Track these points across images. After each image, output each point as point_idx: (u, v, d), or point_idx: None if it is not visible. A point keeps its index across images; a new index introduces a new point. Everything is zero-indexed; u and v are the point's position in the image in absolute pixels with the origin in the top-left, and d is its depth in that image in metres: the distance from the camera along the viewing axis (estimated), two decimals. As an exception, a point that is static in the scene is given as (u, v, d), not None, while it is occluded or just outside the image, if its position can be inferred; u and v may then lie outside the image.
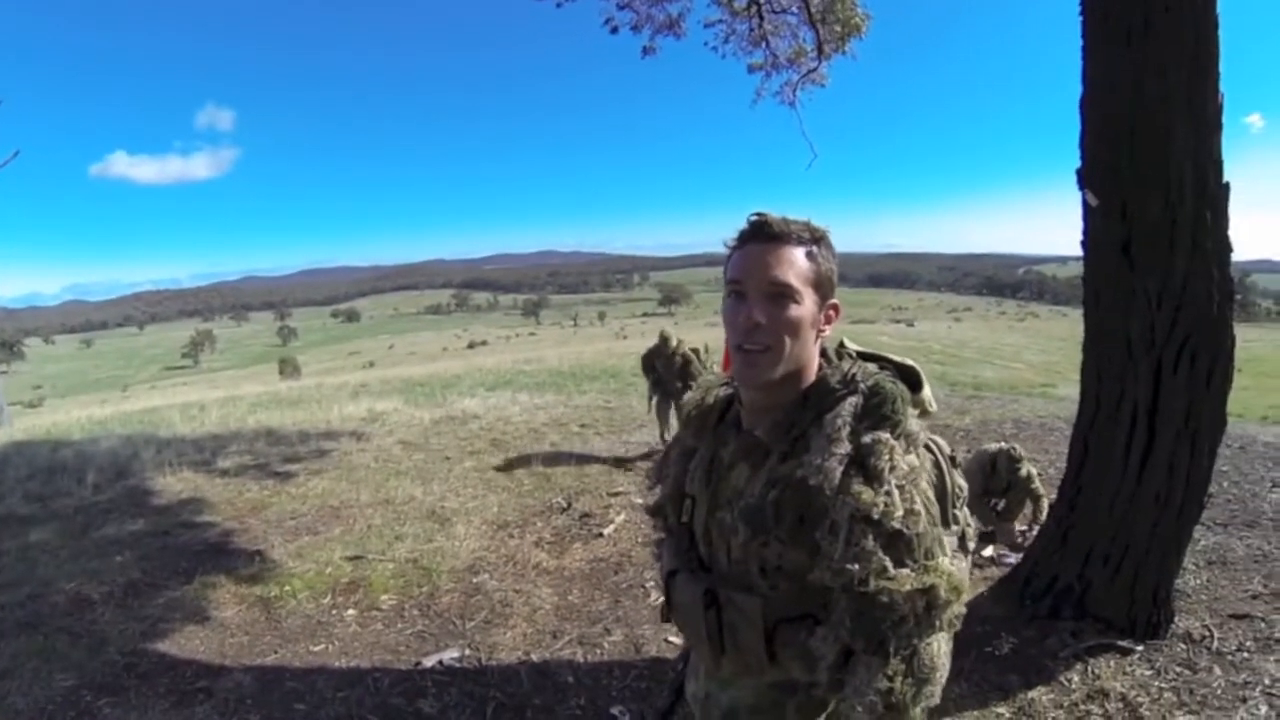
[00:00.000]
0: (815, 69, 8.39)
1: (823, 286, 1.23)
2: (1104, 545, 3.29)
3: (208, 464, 7.53)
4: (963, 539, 1.38)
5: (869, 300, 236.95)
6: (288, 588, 4.42)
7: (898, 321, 77.70)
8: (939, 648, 1.17)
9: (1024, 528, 4.66)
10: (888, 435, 1.16)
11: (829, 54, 8.17)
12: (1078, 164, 3.23)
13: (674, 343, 7.36)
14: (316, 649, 3.74)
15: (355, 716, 3.12)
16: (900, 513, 1.11)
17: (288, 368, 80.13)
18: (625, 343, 35.02)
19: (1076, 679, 3.01)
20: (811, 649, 1.21)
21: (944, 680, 1.20)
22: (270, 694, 3.33)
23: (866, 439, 1.16)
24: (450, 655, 3.60)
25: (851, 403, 1.20)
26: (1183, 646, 3.18)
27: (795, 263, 1.20)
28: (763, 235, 1.21)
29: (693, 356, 7.25)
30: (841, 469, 1.14)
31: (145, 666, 3.60)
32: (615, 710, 3.12)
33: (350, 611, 4.13)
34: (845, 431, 1.17)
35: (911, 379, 1.29)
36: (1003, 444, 4.76)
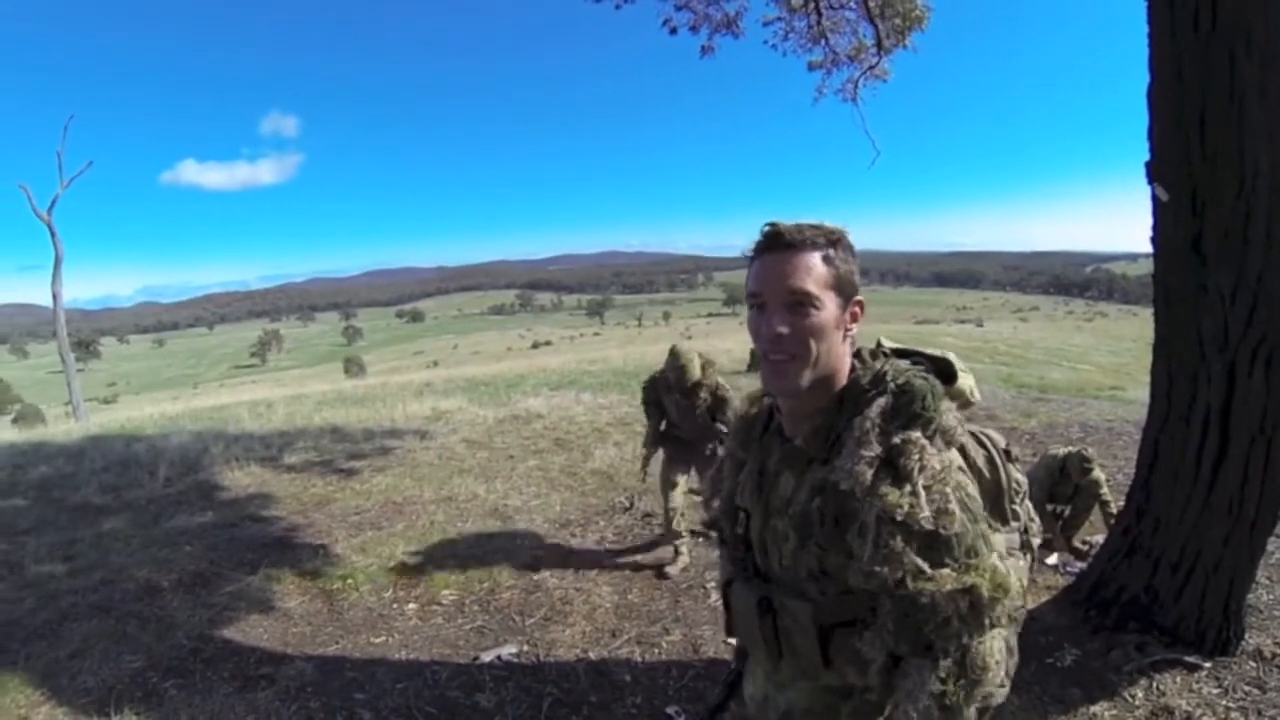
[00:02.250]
0: (876, 64, 8.27)
1: (843, 288, 1.22)
2: (1173, 556, 3.17)
3: (274, 459, 7.77)
4: (1025, 534, 1.37)
5: (933, 300, 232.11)
6: (350, 581, 4.55)
7: (963, 321, 75.93)
8: (993, 645, 1.14)
9: (1089, 537, 4.52)
10: (918, 434, 1.15)
11: (889, 48, 8.04)
12: (1147, 157, 3.13)
13: (695, 368, 4.45)
14: (377, 641, 3.83)
15: (414, 708, 3.19)
16: (927, 513, 1.10)
17: (353, 367, 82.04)
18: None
19: (1140, 695, 2.92)
20: (861, 653, 1.20)
21: (1004, 678, 1.17)
22: (331, 683, 3.43)
23: (896, 439, 1.15)
24: (508, 651, 3.65)
25: (880, 403, 1.19)
26: (1253, 664, 3.05)
27: (812, 269, 1.19)
28: (778, 245, 1.21)
29: (726, 390, 4.60)
30: (872, 471, 1.14)
31: (210, 652, 3.75)
32: (671, 710, 3.13)
33: (411, 605, 4.22)
34: (875, 433, 1.16)
35: (945, 371, 1.28)
36: (1072, 447, 4.62)
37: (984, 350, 19.81)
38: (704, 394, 4.58)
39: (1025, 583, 1.29)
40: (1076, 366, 18.35)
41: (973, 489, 1.18)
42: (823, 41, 8.19)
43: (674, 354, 4.62)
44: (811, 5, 7.85)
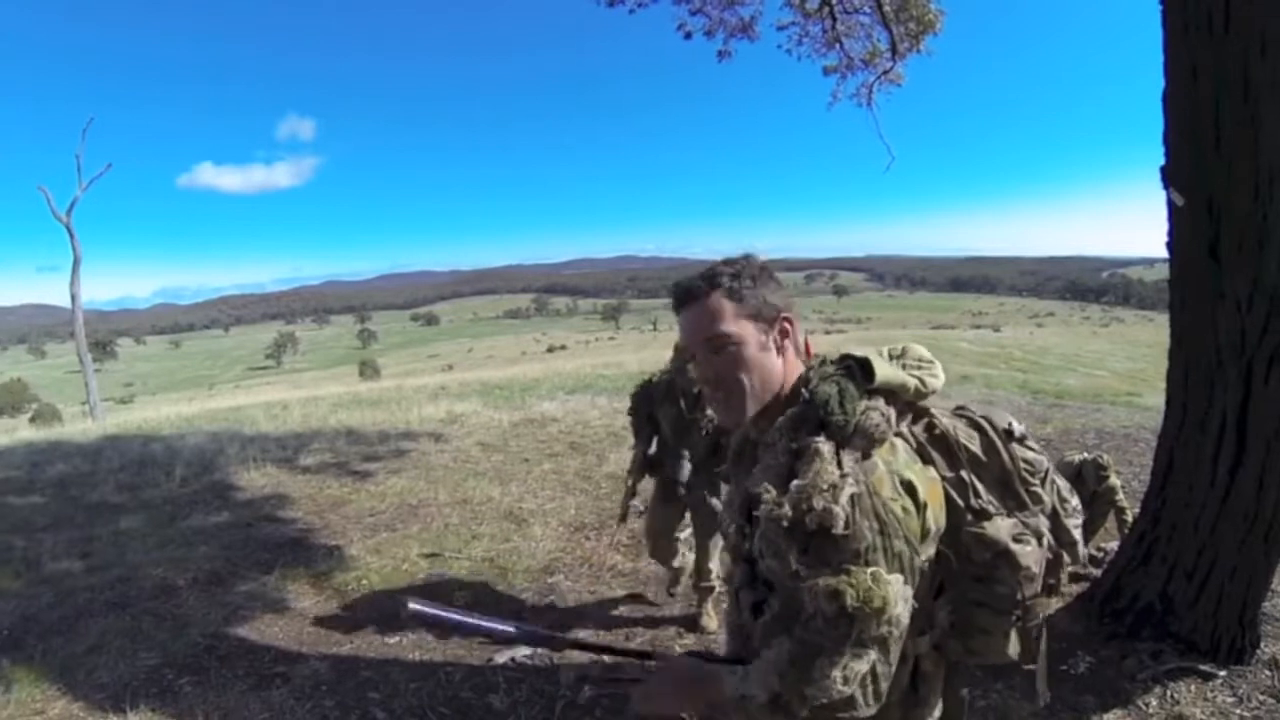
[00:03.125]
0: (891, 69, 8.27)
1: (761, 314, 1.28)
2: (1188, 563, 3.15)
3: (290, 461, 7.81)
4: (1055, 517, 1.36)
5: (949, 305, 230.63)
6: (365, 581, 4.58)
7: (979, 327, 75.44)
8: (851, 664, 1.12)
9: (1103, 543, 4.49)
10: (819, 439, 1.17)
11: (904, 53, 8.04)
12: (1162, 161, 3.12)
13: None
14: (391, 641, 3.85)
15: (427, 708, 3.22)
16: (805, 515, 1.11)
17: (368, 369, 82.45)
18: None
19: (1155, 703, 2.90)
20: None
21: (863, 703, 1.16)
22: (345, 682, 3.45)
23: (794, 445, 1.20)
24: (522, 653, 3.67)
25: (789, 414, 1.24)
26: (1268, 673, 3.03)
27: (719, 312, 1.26)
28: (685, 300, 1.30)
29: None
30: (771, 476, 1.20)
31: (225, 650, 3.79)
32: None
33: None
34: (782, 441, 1.22)
35: (867, 369, 1.26)
36: (1087, 454, 4.59)
37: (1000, 356, 19.68)
38: (707, 410, 3.51)
39: (1037, 569, 1.28)
40: (1092, 372, 18.20)
41: (900, 503, 1.16)
42: (837, 46, 8.21)
43: (682, 351, 3.43)
44: (826, 10, 7.87)
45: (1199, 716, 2.80)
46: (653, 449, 3.88)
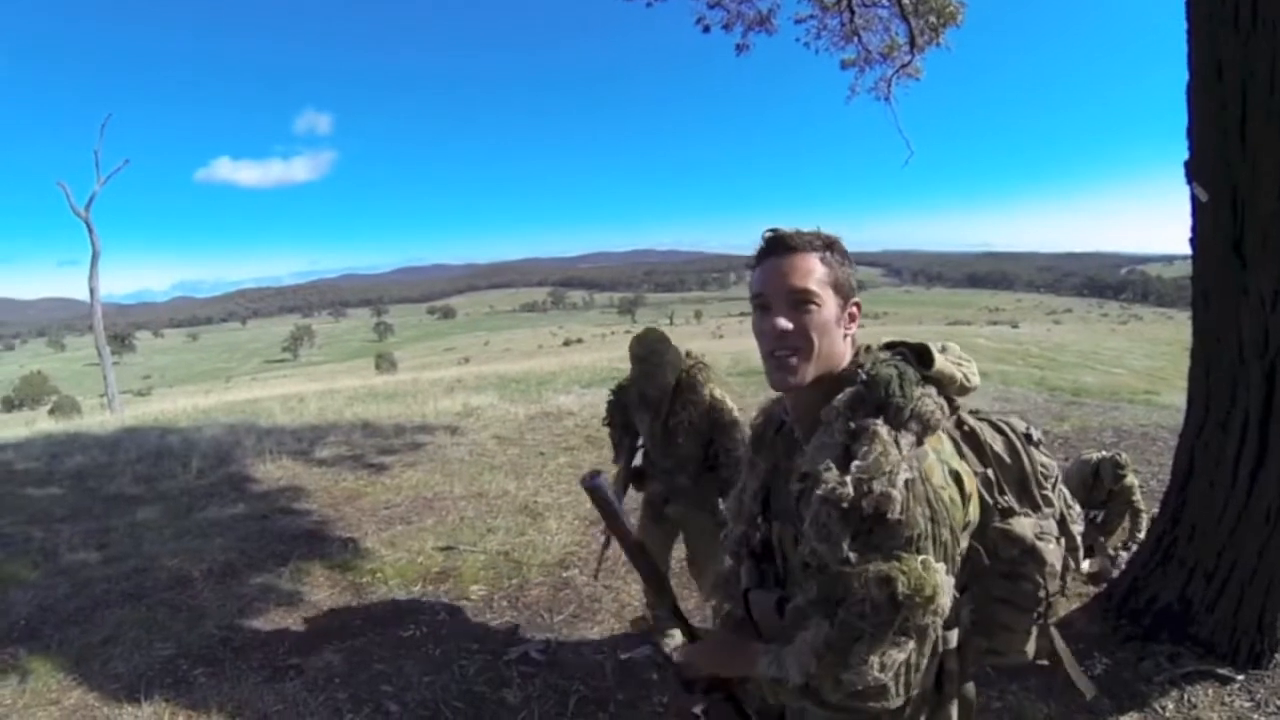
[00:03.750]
0: (909, 62, 8.21)
1: (841, 288, 1.27)
2: (1208, 565, 3.10)
3: (306, 453, 7.86)
4: (1064, 521, 1.36)
5: (966, 301, 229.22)
6: (379, 574, 4.60)
7: (996, 323, 74.89)
8: (890, 652, 1.14)
9: (1120, 544, 4.44)
10: (878, 421, 1.16)
11: (923, 46, 7.98)
12: (1185, 156, 3.07)
13: (668, 371, 3.09)
14: (405, 634, 3.86)
15: (440, 701, 3.22)
16: (860, 498, 1.11)
17: (384, 363, 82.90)
18: (721, 342, 34.89)
19: (1171, 707, 2.87)
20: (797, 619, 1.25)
21: (894, 693, 1.17)
22: (358, 674, 3.47)
23: (853, 425, 1.18)
24: (536, 647, 3.67)
25: (848, 392, 1.22)
26: (1286, 678, 2.98)
27: (812, 269, 1.24)
28: (779, 248, 1.27)
29: (725, 406, 3.10)
30: (830, 456, 1.17)
31: (240, 641, 3.81)
32: (698, 709, 3.12)
33: (440, 600, 4.24)
34: (839, 421, 1.20)
35: (923, 356, 1.28)
36: (1105, 452, 4.53)
37: (1016, 353, 19.54)
38: (688, 412, 3.10)
39: (1059, 568, 1.31)
40: (1111, 370, 18.04)
41: (949, 492, 1.17)
42: (855, 39, 8.15)
43: (641, 343, 3.07)
44: (844, 3, 7.81)
45: (1216, 720, 2.76)
46: (637, 460, 3.50)
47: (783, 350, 1.24)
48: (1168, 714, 2.83)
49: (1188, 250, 3.18)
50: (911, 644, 1.15)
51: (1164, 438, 6.85)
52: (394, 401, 11.52)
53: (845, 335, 1.28)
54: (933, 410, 1.19)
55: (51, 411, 36.81)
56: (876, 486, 1.10)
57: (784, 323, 1.23)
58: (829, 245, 1.27)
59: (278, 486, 6.66)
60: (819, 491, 1.14)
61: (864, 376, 1.22)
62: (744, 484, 1.51)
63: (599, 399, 10.27)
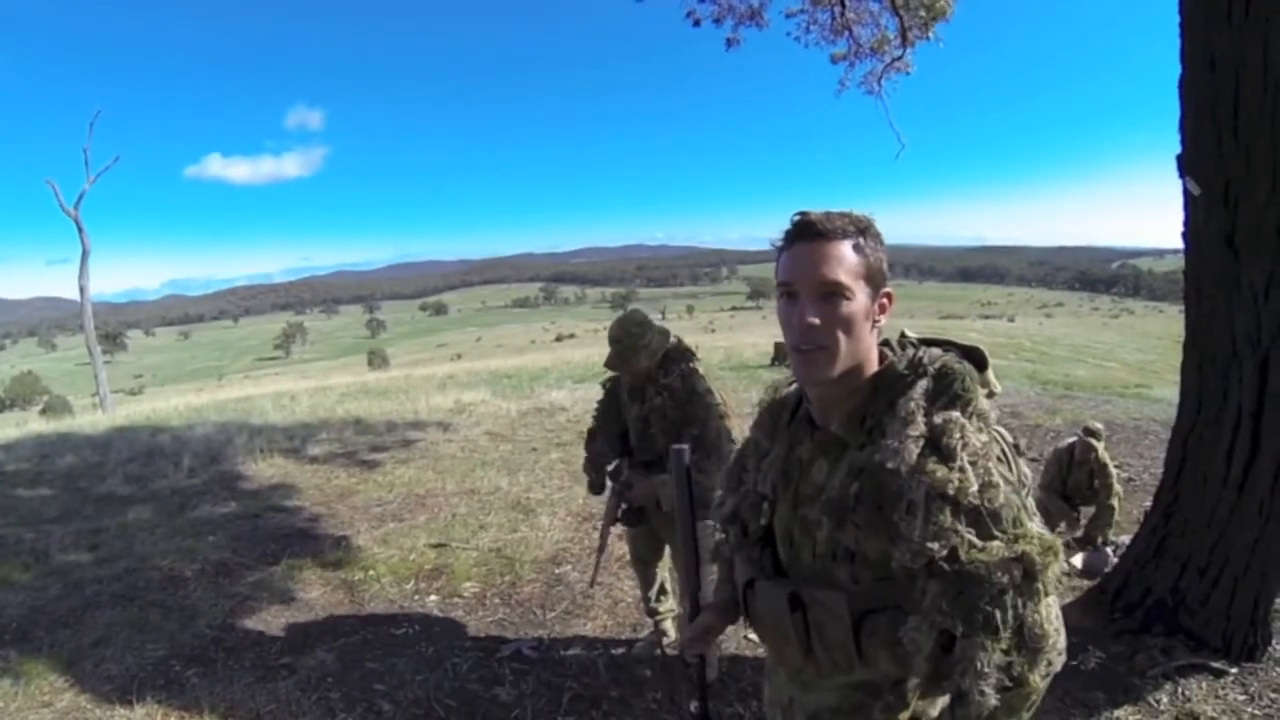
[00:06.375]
0: (900, 57, 8.20)
1: (873, 278, 1.21)
2: (1201, 558, 3.11)
3: (297, 451, 7.84)
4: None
5: (958, 295, 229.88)
6: (372, 572, 4.58)
7: (988, 317, 75.14)
8: (1049, 612, 1.14)
9: (1115, 537, 4.46)
10: (958, 414, 1.15)
11: (913, 40, 7.96)
12: (1178, 150, 3.07)
13: (643, 354, 2.91)
14: (398, 632, 3.85)
15: (433, 700, 3.20)
16: (976, 487, 1.10)
17: (376, 359, 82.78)
18: (713, 336, 34.90)
19: (1165, 700, 2.87)
20: (905, 640, 1.18)
21: (1062, 645, 1.16)
22: (351, 673, 3.45)
23: (938, 419, 1.15)
24: (529, 644, 3.66)
25: (922, 386, 1.19)
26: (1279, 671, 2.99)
27: (843, 259, 1.18)
28: (808, 234, 1.19)
29: (702, 386, 2.94)
30: (917, 450, 1.13)
31: (232, 641, 3.80)
32: (692, 706, 3.12)
33: (432, 598, 4.23)
34: (919, 414, 1.16)
35: (977, 359, 1.27)
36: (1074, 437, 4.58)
37: (1009, 346, 19.58)
38: (661, 399, 2.94)
39: (1060, 546, 1.31)
40: (1102, 364, 18.10)
41: (1019, 463, 1.19)
42: (846, 33, 8.13)
43: (618, 325, 2.95)
44: (835, -3, 7.80)
45: (1210, 714, 2.76)
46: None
47: (808, 345, 1.19)
48: (1162, 707, 2.83)
49: (1179, 244, 3.18)
50: (1054, 597, 1.15)
51: (1156, 431, 6.88)
52: (386, 398, 11.50)
53: (874, 327, 1.24)
54: (988, 410, 1.19)
55: (43, 412, 36.63)
56: (982, 474, 1.11)
57: (811, 317, 1.18)
58: (863, 230, 1.20)
59: (269, 485, 6.64)
60: (924, 488, 1.11)
61: (933, 370, 1.20)
62: (742, 466, 1.48)
63: (591, 394, 10.29)
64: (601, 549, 3.56)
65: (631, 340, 2.88)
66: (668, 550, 3.36)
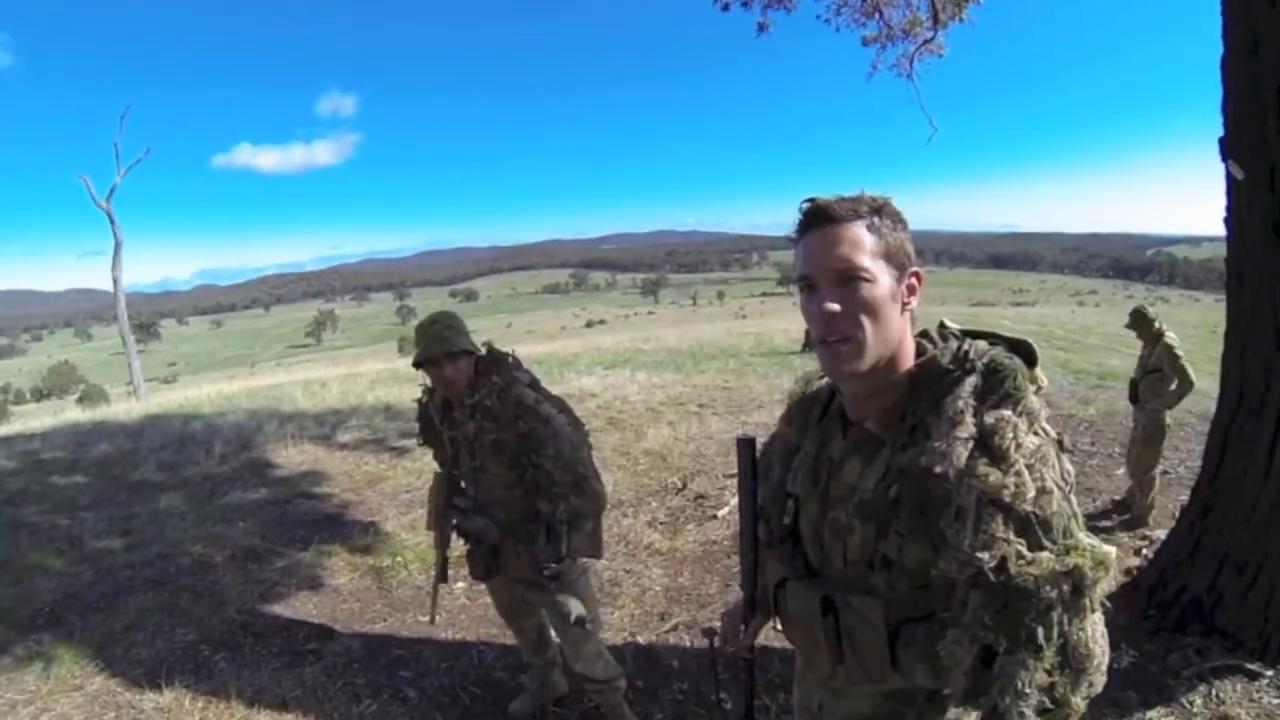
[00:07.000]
0: (932, 39, 8.03)
1: (895, 257, 1.14)
2: (1239, 556, 3.03)
3: (327, 438, 7.92)
4: None
5: (989, 282, 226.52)
6: (399, 559, 4.61)
7: (1020, 304, 74.19)
8: (1094, 631, 1.09)
9: (1148, 532, 4.36)
10: (1010, 413, 1.08)
11: (945, 22, 7.80)
12: (1219, 133, 2.97)
13: (440, 344, 2.45)
14: (424, 619, 3.86)
15: (459, 687, 3.23)
16: (1032, 493, 1.04)
17: (407, 346, 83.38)
18: (744, 322, 34.72)
19: (1199, 702, 2.80)
20: (943, 654, 1.12)
21: (1105, 664, 1.11)
22: (377, 660, 3.48)
23: (989, 419, 1.08)
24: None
25: (970, 383, 1.12)
26: (1317, 676, 2.90)
27: (858, 240, 1.12)
28: (819, 221, 1.14)
29: (530, 399, 2.59)
30: (966, 452, 1.07)
31: (260, 626, 3.85)
32: (721, 697, 3.09)
33: (459, 585, 4.22)
34: (968, 413, 1.09)
35: (1026, 354, 1.19)
36: None
37: (1040, 334, 19.25)
38: (476, 423, 2.50)
39: (1111, 560, 1.25)
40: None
41: (1068, 466, 1.11)
42: (877, 15, 7.99)
43: (419, 325, 2.53)
44: (865, -22, 7.67)
45: (1244, 717, 2.69)
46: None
47: (833, 336, 1.12)
48: (1195, 710, 2.77)
49: (1215, 231, 3.10)
50: (1099, 613, 1.10)
51: (1192, 423, 6.71)
52: (416, 384, 11.57)
53: (905, 310, 1.17)
54: (1039, 408, 1.12)
55: (79, 400, 37.46)
56: (1038, 480, 1.05)
57: (831, 305, 1.11)
58: (877, 210, 1.14)
59: (299, 471, 6.71)
60: (975, 493, 1.05)
61: (981, 366, 1.13)
62: (769, 462, 1.42)
63: (621, 380, 10.30)
64: (438, 584, 2.92)
65: (431, 344, 2.42)
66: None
